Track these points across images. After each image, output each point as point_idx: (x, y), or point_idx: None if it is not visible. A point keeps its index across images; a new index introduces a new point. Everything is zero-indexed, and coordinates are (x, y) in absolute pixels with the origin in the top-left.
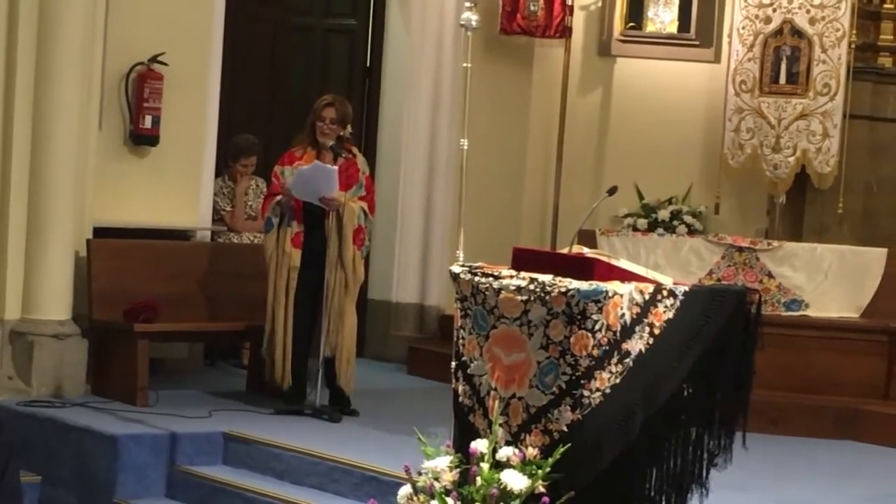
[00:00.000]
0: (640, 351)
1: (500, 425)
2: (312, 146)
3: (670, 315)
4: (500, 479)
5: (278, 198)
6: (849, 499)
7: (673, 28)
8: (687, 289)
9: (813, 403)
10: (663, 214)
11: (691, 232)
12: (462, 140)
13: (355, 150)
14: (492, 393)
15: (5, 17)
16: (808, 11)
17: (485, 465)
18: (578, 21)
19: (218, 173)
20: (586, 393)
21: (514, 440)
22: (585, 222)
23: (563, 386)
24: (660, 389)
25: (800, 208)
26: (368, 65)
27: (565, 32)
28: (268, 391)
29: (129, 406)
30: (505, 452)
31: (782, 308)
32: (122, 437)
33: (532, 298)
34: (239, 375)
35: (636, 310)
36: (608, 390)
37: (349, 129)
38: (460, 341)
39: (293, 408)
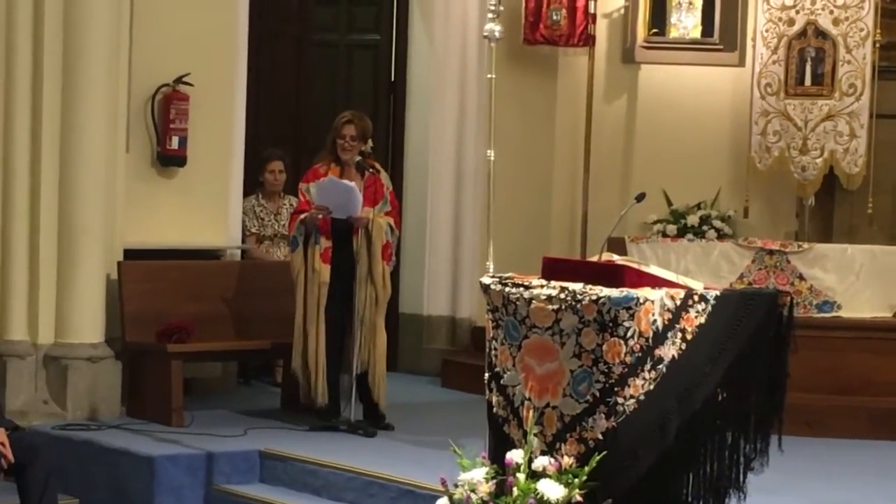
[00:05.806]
0: (673, 357)
1: (535, 435)
2: (336, 163)
3: (702, 320)
4: (536, 489)
5: (303, 215)
6: (887, 499)
7: (696, 33)
8: (718, 293)
9: (848, 404)
10: (692, 220)
11: (721, 236)
12: (489, 151)
13: (377, 165)
14: (526, 403)
15: (30, 42)
16: (831, 12)
17: (521, 476)
18: (601, 29)
19: (246, 192)
20: (620, 400)
21: (550, 449)
22: (615, 230)
23: (597, 394)
24: (694, 395)
25: (829, 209)
26: (393, 79)
27: (589, 40)
28: (302, 409)
29: (165, 427)
30: (541, 462)
31: (814, 310)
32: (158, 458)
33: (563, 307)
34: (273, 393)
35: (668, 316)
36: (642, 397)
37: (370, 143)
38: (493, 352)
39: (328, 424)
